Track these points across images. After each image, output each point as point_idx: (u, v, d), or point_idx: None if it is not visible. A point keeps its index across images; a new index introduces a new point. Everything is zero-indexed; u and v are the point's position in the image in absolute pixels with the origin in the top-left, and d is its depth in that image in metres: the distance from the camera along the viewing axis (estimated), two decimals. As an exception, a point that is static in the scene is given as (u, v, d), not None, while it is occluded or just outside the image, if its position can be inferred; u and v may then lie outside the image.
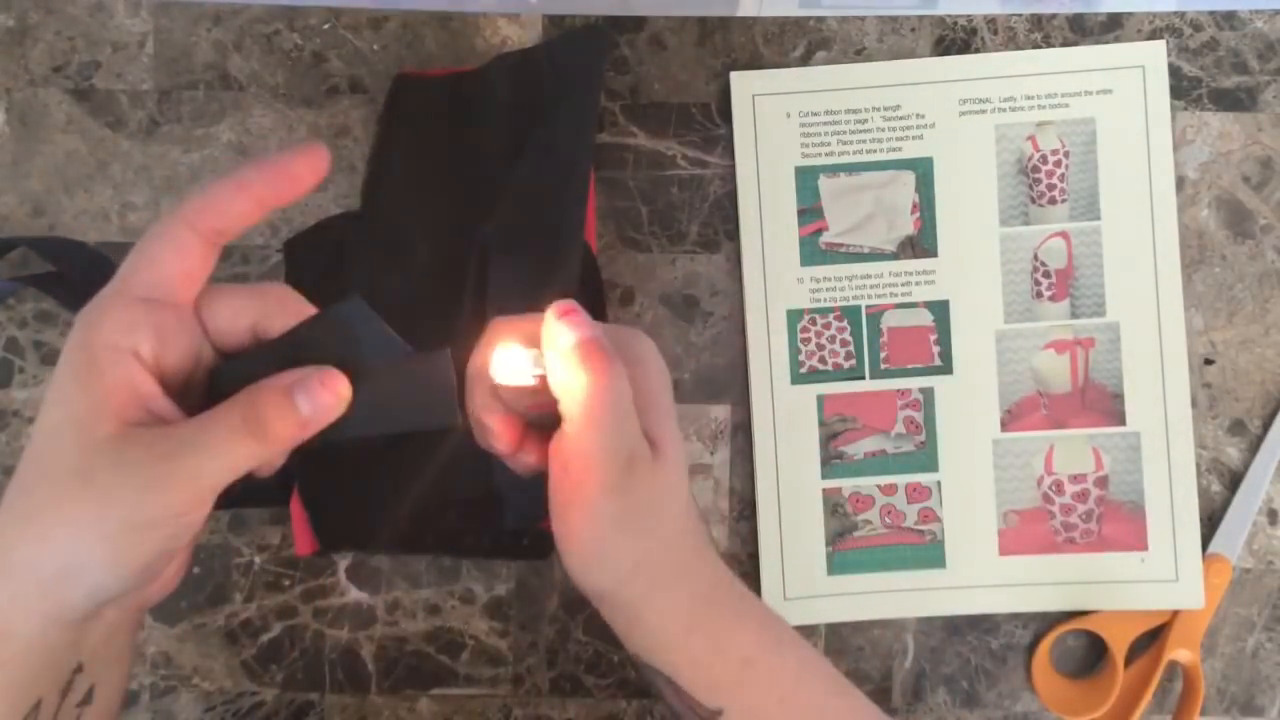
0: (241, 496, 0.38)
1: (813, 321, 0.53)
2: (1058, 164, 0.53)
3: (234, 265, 0.54)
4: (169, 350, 0.33)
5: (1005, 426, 0.53)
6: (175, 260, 0.33)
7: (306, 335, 0.35)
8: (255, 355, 0.35)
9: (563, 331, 0.35)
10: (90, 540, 0.31)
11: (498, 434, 0.38)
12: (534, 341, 0.36)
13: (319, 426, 0.33)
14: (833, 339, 0.53)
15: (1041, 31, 0.54)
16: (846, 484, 0.53)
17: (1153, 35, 0.54)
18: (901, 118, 0.54)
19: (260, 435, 0.32)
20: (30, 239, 0.53)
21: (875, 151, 0.54)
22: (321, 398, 0.33)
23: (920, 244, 0.54)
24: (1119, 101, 0.53)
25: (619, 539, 0.36)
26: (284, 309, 0.35)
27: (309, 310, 0.36)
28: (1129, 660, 0.53)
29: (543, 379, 0.36)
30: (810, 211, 0.54)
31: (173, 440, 0.31)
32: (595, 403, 0.35)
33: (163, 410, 0.32)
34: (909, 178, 0.54)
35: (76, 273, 0.52)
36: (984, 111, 0.53)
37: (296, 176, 0.34)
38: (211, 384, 0.35)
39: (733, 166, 0.54)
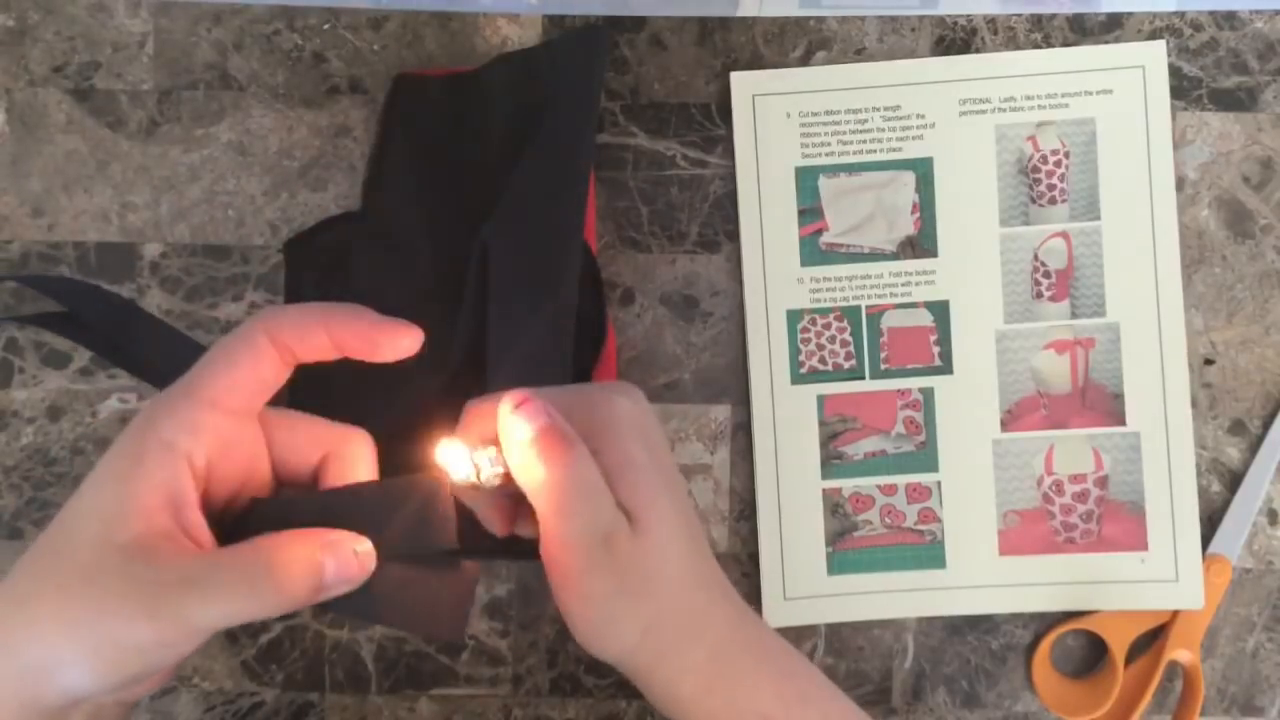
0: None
1: (813, 322, 0.53)
2: (1058, 164, 0.53)
3: (234, 265, 0.54)
4: (225, 461, 0.32)
5: (1005, 426, 0.53)
6: (251, 367, 0.33)
7: (358, 499, 0.34)
8: (304, 502, 0.34)
9: (518, 425, 0.35)
10: (75, 644, 0.30)
11: (488, 519, 0.38)
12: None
13: (332, 595, 0.32)
14: (833, 339, 0.53)
15: (1041, 31, 0.54)
16: (846, 484, 0.53)
17: (1153, 35, 0.54)
18: (901, 118, 0.54)
19: (274, 589, 0.31)
20: (39, 279, 0.52)
21: (875, 151, 0.54)
22: (349, 570, 0.32)
23: (920, 244, 0.54)
24: (1119, 101, 0.53)
25: (617, 612, 0.36)
26: (355, 453, 0.35)
27: (373, 461, 0.35)
28: (1129, 660, 0.53)
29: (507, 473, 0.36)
30: (810, 211, 0.54)
31: (181, 571, 0.30)
32: (557, 494, 0.34)
33: (192, 526, 0.31)
34: (909, 178, 0.54)
35: (94, 314, 0.51)
36: (984, 111, 0.53)
37: (381, 345, 0.34)
38: (252, 512, 0.34)
39: (733, 166, 0.54)
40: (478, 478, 0.36)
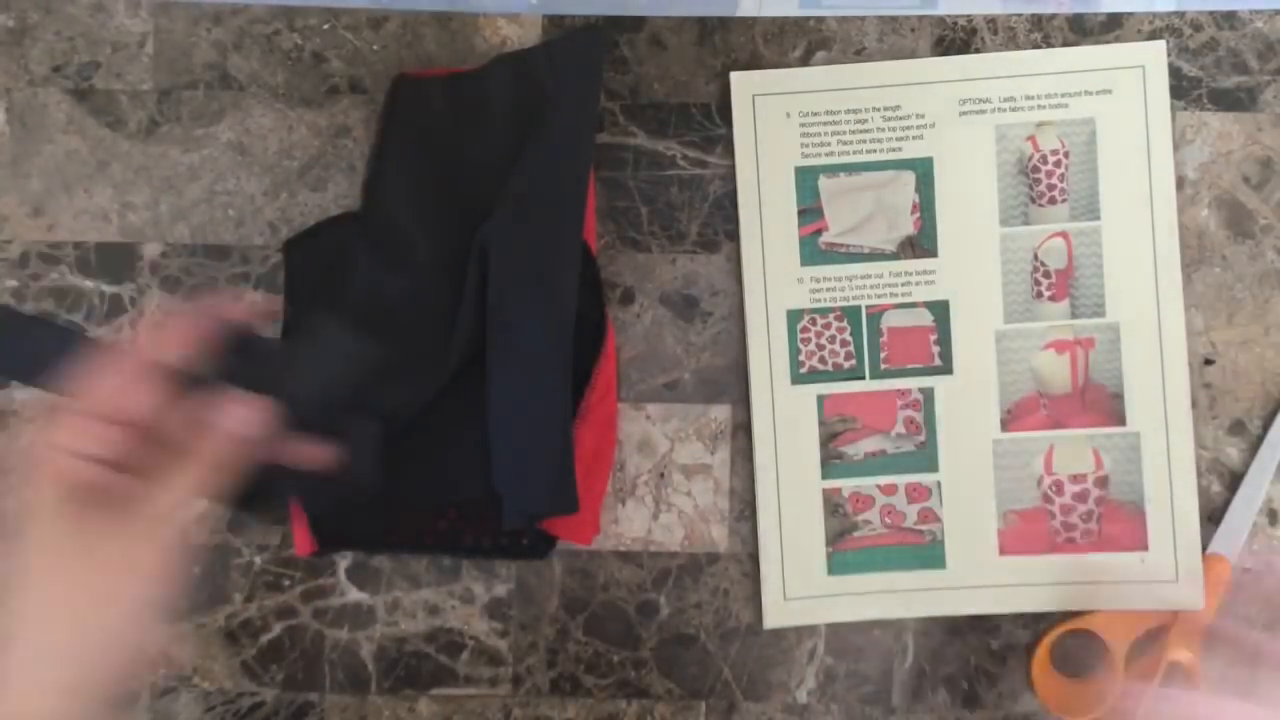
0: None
1: (813, 322, 0.53)
2: (1058, 164, 0.53)
3: (234, 265, 0.54)
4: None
5: (1005, 426, 0.53)
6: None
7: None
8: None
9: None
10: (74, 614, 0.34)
11: None
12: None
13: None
14: (833, 339, 0.53)
15: (1041, 31, 0.54)
16: (846, 484, 0.53)
17: (1153, 35, 0.54)
18: (901, 118, 0.54)
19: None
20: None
21: (875, 151, 0.54)
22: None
23: (920, 244, 0.54)
24: (1119, 101, 0.53)
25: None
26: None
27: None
28: (1129, 660, 0.53)
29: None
30: (810, 211, 0.54)
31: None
32: None
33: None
34: (909, 178, 0.54)
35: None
36: (984, 111, 0.53)
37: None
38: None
39: (733, 166, 0.54)
40: None
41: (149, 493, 0.35)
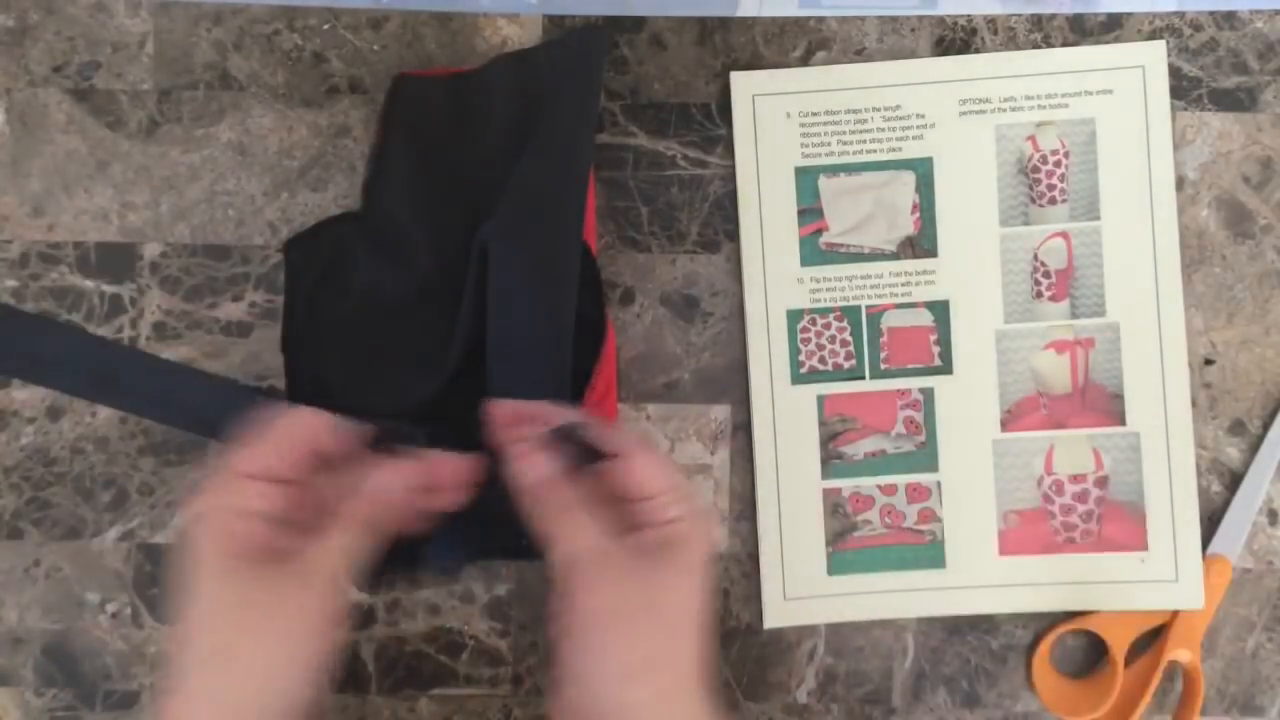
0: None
1: (813, 322, 0.53)
2: (1058, 164, 0.53)
3: (234, 265, 0.54)
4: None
5: (1005, 426, 0.53)
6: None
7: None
8: None
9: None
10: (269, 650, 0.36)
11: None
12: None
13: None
14: (833, 339, 0.53)
15: (1041, 31, 0.54)
16: (846, 484, 0.53)
17: (1153, 35, 0.54)
18: (901, 118, 0.54)
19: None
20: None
21: (875, 151, 0.54)
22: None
23: (920, 244, 0.54)
24: (1119, 101, 0.53)
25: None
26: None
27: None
28: (1129, 660, 0.53)
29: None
30: (810, 211, 0.54)
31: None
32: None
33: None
34: (909, 178, 0.54)
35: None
36: (984, 111, 0.53)
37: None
38: None
39: (733, 166, 0.54)
40: None
41: (308, 550, 0.36)
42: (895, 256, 0.53)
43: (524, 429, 0.41)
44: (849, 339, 0.53)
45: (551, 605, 0.39)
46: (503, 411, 0.43)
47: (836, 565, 0.53)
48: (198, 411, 0.50)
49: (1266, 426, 0.53)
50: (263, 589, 0.35)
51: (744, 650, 0.53)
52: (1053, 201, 0.53)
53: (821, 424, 0.53)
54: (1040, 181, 0.53)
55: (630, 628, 0.36)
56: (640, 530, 0.38)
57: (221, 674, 0.35)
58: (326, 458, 0.39)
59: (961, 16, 0.54)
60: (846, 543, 0.53)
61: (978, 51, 0.54)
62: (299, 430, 0.38)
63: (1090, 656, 0.54)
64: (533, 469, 0.40)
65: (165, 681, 0.35)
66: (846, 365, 0.53)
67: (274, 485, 0.37)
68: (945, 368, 0.53)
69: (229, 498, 0.36)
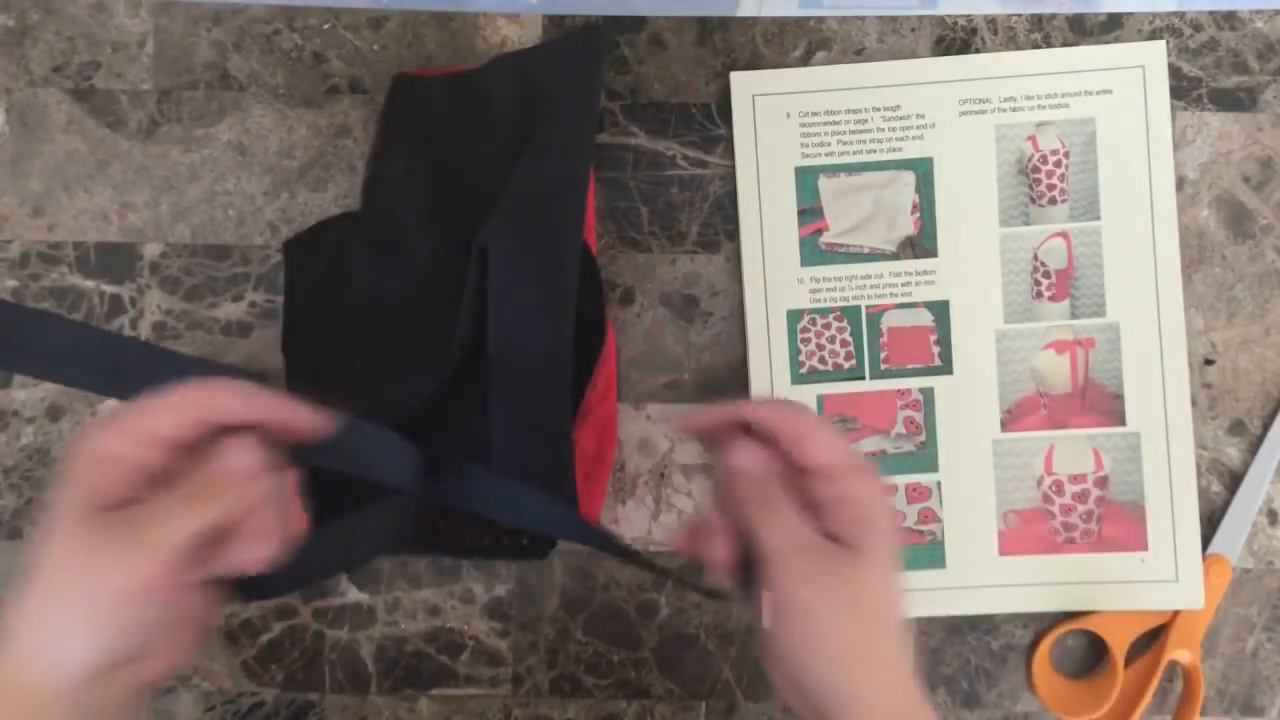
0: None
1: (813, 322, 0.53)
2: (1058, 164, 0.53)
3: (234, 265, 0.54)
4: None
5: (1005, 426, 0.53)
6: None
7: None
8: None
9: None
10: (76, 604, 0.34)
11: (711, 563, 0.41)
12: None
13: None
14: (833, 339, 0.53)
15: (1041, 31, 0.54)
16: (846, 484, 0.53)
17: (1153, 35, 0.54)
18: (901, 118, 0.54)
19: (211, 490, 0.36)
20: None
21: (875, 151, 0.54)
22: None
23: (920, 244, 0.54)
24: (1119, 101, 0.53)
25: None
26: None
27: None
28: (1129, 660, 0.53)
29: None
30: (810, 211, 0.54)
31: (141, 511, 0.35)
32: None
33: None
34: (909, 178, 0.54)
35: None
36: (984, 111, 0.53)
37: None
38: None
39: (733, 166, 0.54)
40: None
41: (143, 508, 0.35)
42: (895, 256, 0.53)
43: (718, 422, 0.41)
44: (849, 339, 0.53)
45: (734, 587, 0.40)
46: (697, 415, 0.42)
47: (836, 565, 0.53)
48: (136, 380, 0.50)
49: (1266, 426, 0.53)
50: (106, 542, 0.34)
51: (744, 650, 0.53)
52: (1053, 201, 0.53)
53: (821, 424, 0.53)
54: (1040, 181, 0.53)
55: (837, 617, 0.37)
56: (827, 506, 0.38)
57: (61, 607, 0.34)
58: (233, 431, 0.37)
59: (961, 16, 0.54)
60: (846, 543, 0.53)
61: (978, 51, 0.54)
62: (200, 397, 0.37)
63: (1090, 656, 0.54)
64: (747, 463, 0.39)
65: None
66: (846, 365, 0.53)
67: (149, 441, 0.36)
68: (945, 368, 0.53)
69: (97, 443, 0.35)
